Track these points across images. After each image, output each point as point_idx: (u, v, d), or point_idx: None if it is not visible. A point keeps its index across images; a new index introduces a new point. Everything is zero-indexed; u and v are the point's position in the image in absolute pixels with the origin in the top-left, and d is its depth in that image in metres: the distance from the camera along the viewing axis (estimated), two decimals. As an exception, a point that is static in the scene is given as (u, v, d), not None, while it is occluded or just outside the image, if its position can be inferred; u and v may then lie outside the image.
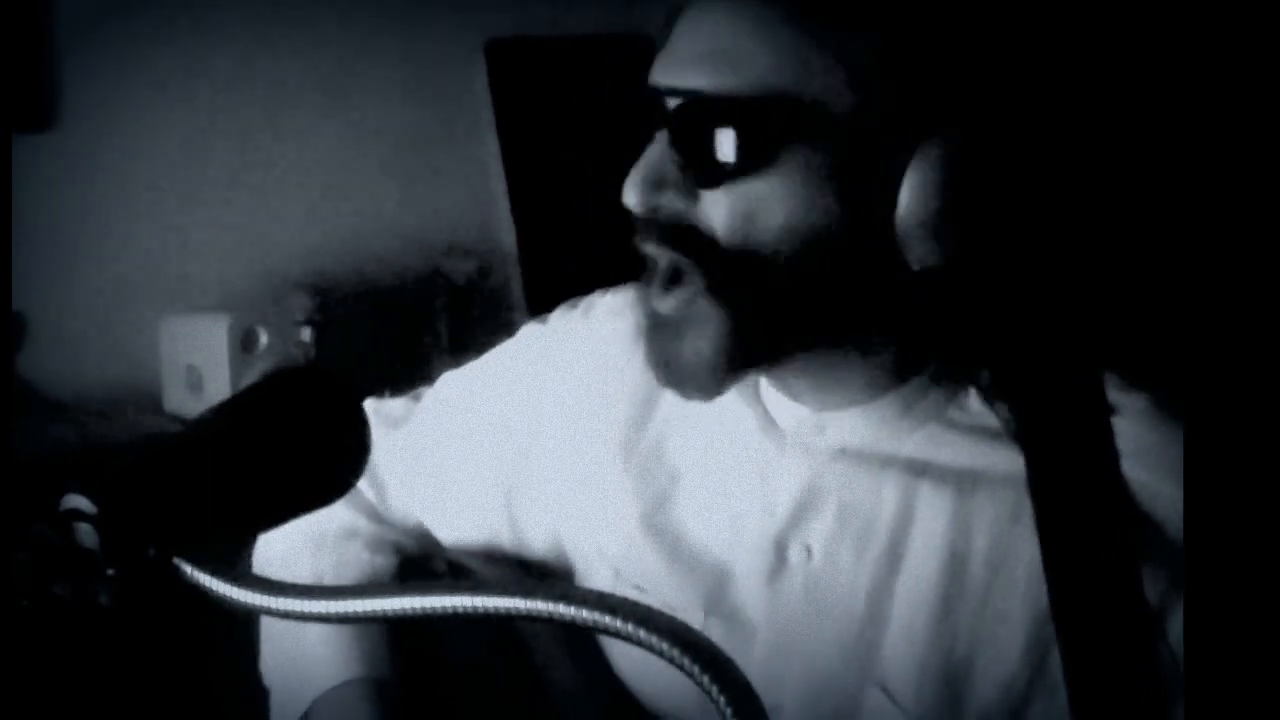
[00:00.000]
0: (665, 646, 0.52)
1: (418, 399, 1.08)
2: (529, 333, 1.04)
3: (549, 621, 0.53)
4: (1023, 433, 0.84)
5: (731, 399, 0.90)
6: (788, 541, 0.89)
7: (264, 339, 2.07)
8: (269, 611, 0.58)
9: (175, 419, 2.10)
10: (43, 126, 2.12)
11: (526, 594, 0.54)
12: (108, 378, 2.16)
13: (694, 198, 0.81)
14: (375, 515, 1.06)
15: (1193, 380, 0.67)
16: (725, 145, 0.79)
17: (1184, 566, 0.80)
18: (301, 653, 0.97)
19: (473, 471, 1.03)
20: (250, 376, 2.01)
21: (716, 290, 0.81)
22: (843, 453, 0.88)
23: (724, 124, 0.79)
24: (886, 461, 0.88)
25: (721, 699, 0.52)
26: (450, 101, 2.48)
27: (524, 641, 1.06)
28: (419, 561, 1.05)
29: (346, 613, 0.57)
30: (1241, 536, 0.64)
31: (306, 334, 2.13)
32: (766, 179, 0.79)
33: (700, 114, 0.80)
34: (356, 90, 2.40)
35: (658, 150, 0.82)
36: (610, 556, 0.96)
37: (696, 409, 0.91)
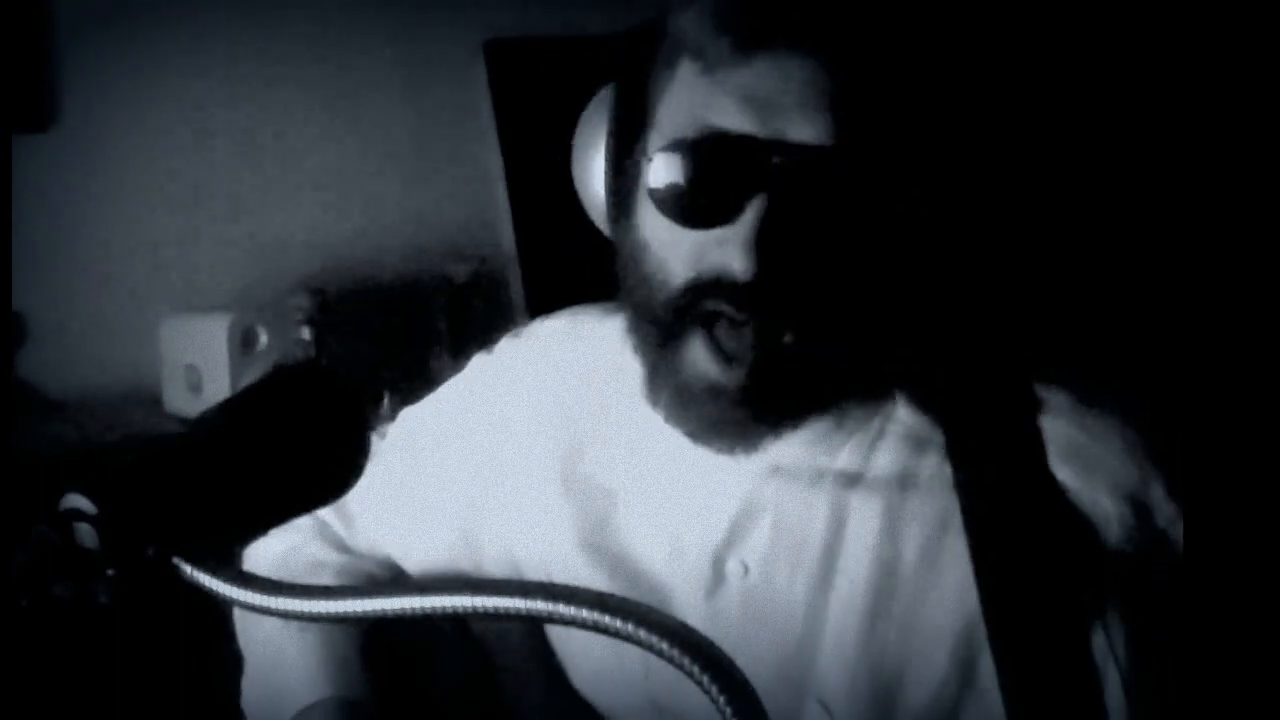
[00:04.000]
0: (665, 646, 0.52)
1: (384, 437, 1.09)
2: (477, 363, 1.05)
3: (547, 622, 0.53)
4: (949, 436, 0.84)
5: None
6: (725, 558, 0.90)
7: (264, 339, 2.07)
8: (269, 611, 0.58)
9: (175, 419, 2.10)
10: (43, 126, 2.12)
11: (526, 594, 0.54)
12: (108, 378, 2.15)
13: (801, 258, 0.77)
14: (343, 548, 1.07)
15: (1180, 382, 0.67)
16: (849, 198, 0.76)
17: (1117, 561, 0.81)
18: (276, 681, 0.98)
19: (432, 500, 1.04)
20: (250, 376, 2.01)
21: (797, 355, 0.79)
22: (777, 469, 0.89)
23: (851, 177, 0.76)
24: (819, 475, 0.88)
25: (721, 699, 0.52)
26: (450, 101, 2.48)
27: (498, 662, 1.07)
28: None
29: (345, 613, 0.57)
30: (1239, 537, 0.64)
31: (306, 334, 2.12)
32: (875, 230, 0.78)
33: (825, 168, 0.76)
34: (356, 90, 2.40)
35: (763, 208, 0.77)
36: (555, 578, 0.96)
37: (633, 432, 0.92)
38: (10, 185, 2.06)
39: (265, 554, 1.06)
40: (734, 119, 0.77)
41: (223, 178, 2.29)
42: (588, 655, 0.96)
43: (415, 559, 1.06)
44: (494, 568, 1.02)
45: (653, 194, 0.80)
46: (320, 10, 2.35)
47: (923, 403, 0.87)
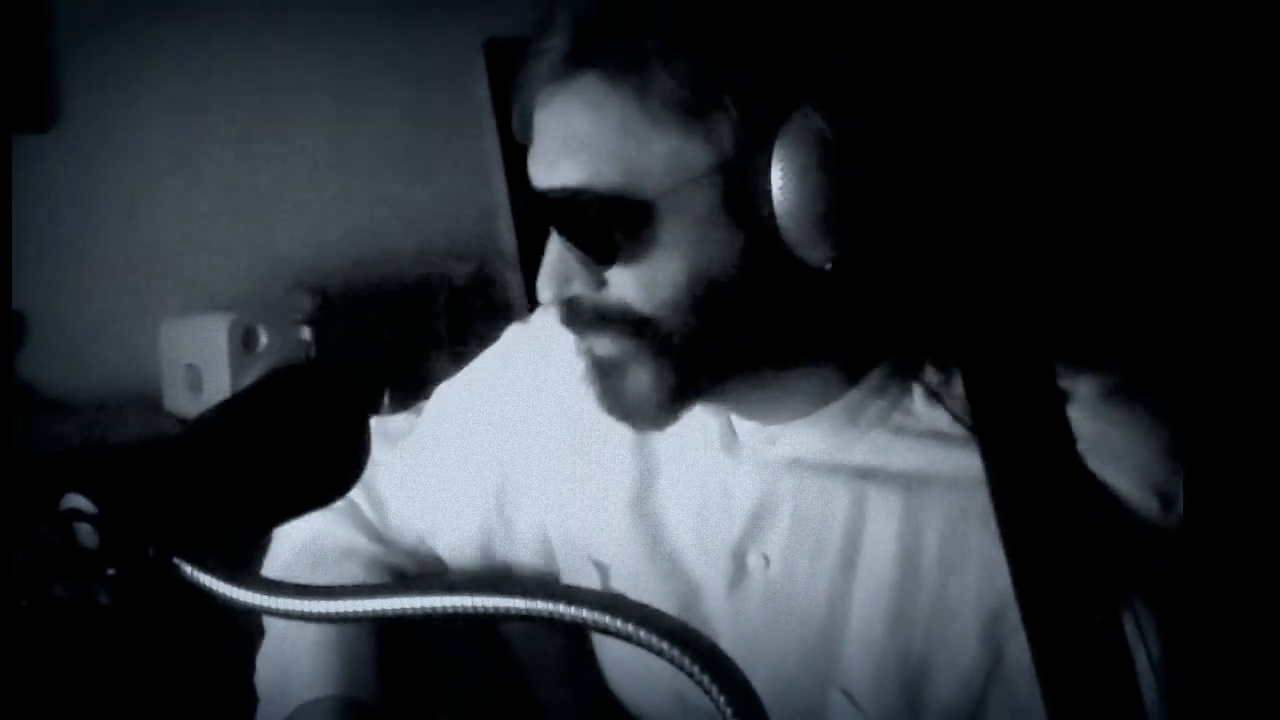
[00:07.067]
0: (665, 646, 0.52)
1: (419, 414, 1.10)
2: (513, 334, 1.07)
3: (549, 623, 0.53)
4: (977, 423, 0.85)
5: (698, 409, 0.91)
6: (746, 551, 0.91)
7: (264, 339, 2.07)
8: (269, 611, 0.58)
9: (175, 419, 2.10)
10: (43, 126, 2.12)
11: (527, 594, 0.54)
12: (108, 378, 2.16)
13: (602, 280, 0.83)
14: (375, 535, 1.08)
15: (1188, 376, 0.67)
16: (607, 230, 0.80)
17: (1143, 550, 0.81)
18: (289, 666, 0.99)
19: (468, 472, 1.05)
20: (250, 376, 2.01)
21: (647, 343, 0.82)
22: (795, 463, 0.90)
23: (598, 213, 0.80)
24: (837, 469, 0.89)
25: (721, 699, 0.52)
26: (450, 101, 2.48)
27: (517, 662, 1.06)
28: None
29: (346, 612, 0.57)
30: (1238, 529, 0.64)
31: (306, 334, 2.13)
32: (658, 244, 0.80)
33: (573, 207, 0.81)
34: (356, 90, 2.40)
35: (555, 244, 0.83)
36: (596, 547, 0.97)
37: None
38: (10, 185, 2.06)
39: (295, 535, 1.07)
40: (531, 176, 0.84)
41: (223, 178, 2.29)
42: (615, 651, 0.97)
43: (446, 533, 1.06)
44: (525, 544, 1.03)
45: None
46: (320, 10, 2.35)
47: (943, 392, 0.88)
